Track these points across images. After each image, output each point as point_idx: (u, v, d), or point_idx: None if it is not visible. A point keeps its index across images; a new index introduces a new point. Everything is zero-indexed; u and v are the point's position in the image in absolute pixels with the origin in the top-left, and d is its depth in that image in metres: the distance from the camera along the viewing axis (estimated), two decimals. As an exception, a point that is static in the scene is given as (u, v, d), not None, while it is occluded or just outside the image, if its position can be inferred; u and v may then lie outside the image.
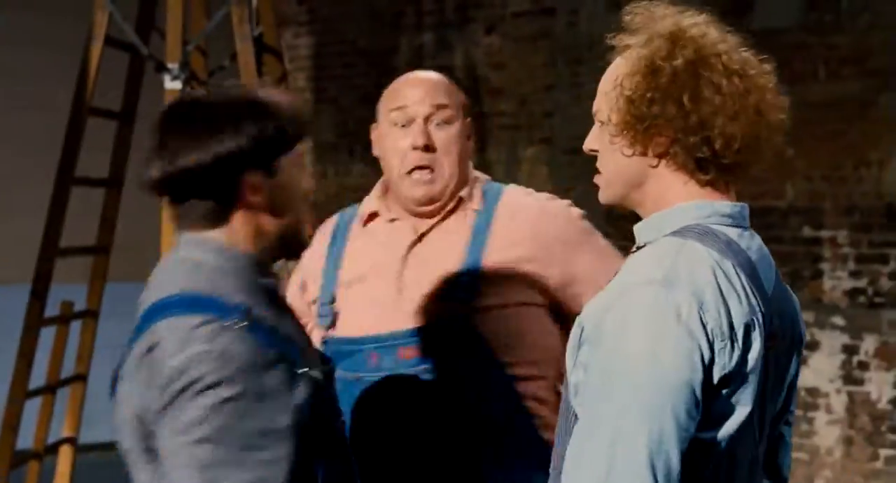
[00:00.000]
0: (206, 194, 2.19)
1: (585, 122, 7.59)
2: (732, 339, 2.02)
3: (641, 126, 2.14)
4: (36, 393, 6.17)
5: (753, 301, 2.07)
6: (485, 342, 2.83)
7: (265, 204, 2.22)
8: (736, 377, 2.02)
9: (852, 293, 7.22)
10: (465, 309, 2.84)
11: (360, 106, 9.20)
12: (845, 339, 7.25)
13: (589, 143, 2.30)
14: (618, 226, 7.69)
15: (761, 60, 2.33)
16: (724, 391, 2.02)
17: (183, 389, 2.07)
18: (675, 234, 2.13)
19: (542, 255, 2.91)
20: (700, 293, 2.01)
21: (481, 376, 2.84)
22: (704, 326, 2.00)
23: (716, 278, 2.04)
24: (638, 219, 2.25)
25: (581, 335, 2.07)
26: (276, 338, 2.17)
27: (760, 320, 2.06)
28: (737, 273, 2.07)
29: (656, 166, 2.18)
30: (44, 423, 6.32)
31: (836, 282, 7.28)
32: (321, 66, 9.19)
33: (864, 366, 7.21)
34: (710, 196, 2.17)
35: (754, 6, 7.53)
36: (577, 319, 2.10)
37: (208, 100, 2.26)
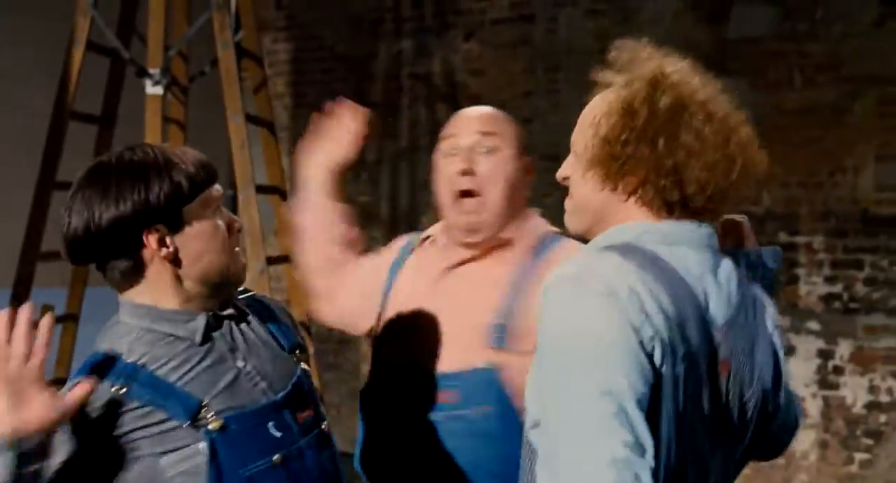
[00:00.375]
0: (116, 254, 2.30)
1: (563, 128, 7.56)
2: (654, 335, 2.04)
3: (615, 164, 2.17)
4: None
5: (661, 319, 2.05)
6: (510, 390, 2.75)
7: (175, 255, 2.31)
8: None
9: (827, 298, 7.25)
10: (490, 354, 2.79)
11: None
12: (820, 343, 7.28)
13: (562, 171, 2.34)
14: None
15: (740, 111, 2.30)
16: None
17: None
18: (602, 249, 2.17)
19: None
20: (614, 287, 2.03)
21: (506, 425, 2.74)
22: (625, 311, 2.01)
23: (634, 283, 2.05)
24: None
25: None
26: (158, 394, 2.25)
27: (665, 338, 2.04)
28: (655, 287, 2.07)
29: (625, 201, 2.21)
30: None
31: (812, 287, 7.32)
32: (300, 72, 9.15)
33: (839, 370, 7.24)
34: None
35: (730, 15, 7.55)
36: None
37: (102, 168, 2.32)
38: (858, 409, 7.19)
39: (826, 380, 7.27)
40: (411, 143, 8.82)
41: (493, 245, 2.93)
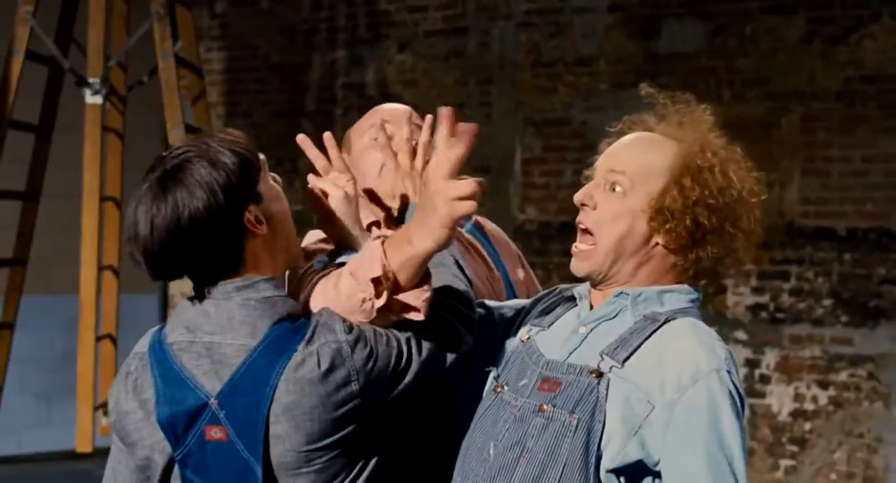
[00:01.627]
0: (215, 247, 2.24)
1: (494, 139, 7.74)
2: None
3: (696, 230, 2.31)
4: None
5: None
6: None
7: (267, 229, 2.28)
8: None
9: (754, 309, 7.53)
10: None
11: (273, 120, 9.30)
12: (748, 353, 7.56)
13: (586, 199, 2.38)
14: (525, 240, 7.91)
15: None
16: None
17: None
18: (683, 313, 2.30)
19: None
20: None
21: None
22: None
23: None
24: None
25: (649, 413, 2.19)
26: None
27: None
28: None
29: (654, 247, 2.33)
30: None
31: (739, 298, 7.57)
32: (234, 81, 9.25)
33: (765, 379, 7.53)
34: (689, 283, 2.36)
35: (661, 31, 7.82)
36: (627, 392, 2.21)
37: (162, 171, 2.23)
38: (784, 416, 7.47)
39: (753, 388, 7.53)
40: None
41: None
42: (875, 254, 7.24)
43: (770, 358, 7.52)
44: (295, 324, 2.25)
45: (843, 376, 7.33)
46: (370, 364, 2.23)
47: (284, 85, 9.28)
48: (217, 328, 2.28)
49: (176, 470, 2.32)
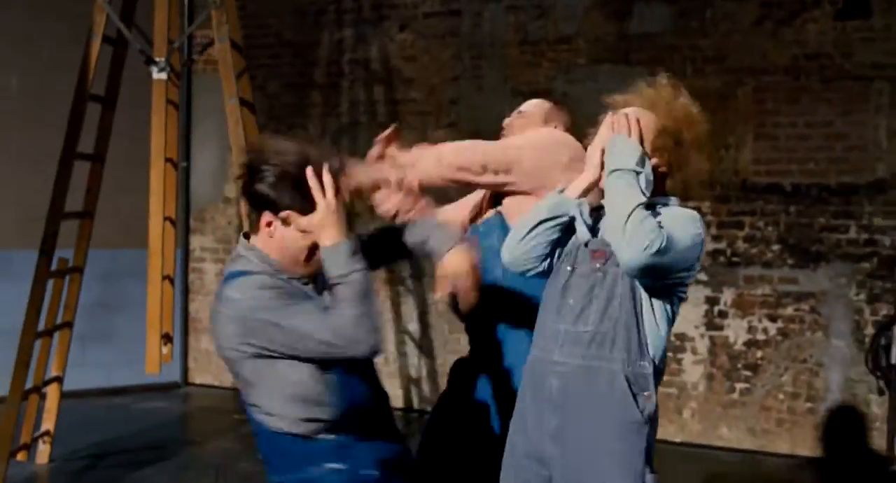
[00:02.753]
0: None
1: (485, 107, 9.01)
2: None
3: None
4: (41, 335, 7.16)
5: None
6: None
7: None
8: None
9: (714, 254, 8.50)
10: None
11: (285, 92, 10.21)
12: (708, 291, 8.53)
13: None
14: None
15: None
16: None
17: None
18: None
19: None
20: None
21: None
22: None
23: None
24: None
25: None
26: None
27: None
28: None
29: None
30: (42, 363, 7.28)
31: (701, 244, 8.55)
32: (250, 57, 9.85)
33: (723, 314, 8.51)
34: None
35: (633, 14, 8.78)
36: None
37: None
38: (739, 346, 8.44)
39: (712, 322, 8.54)
40: (351, 119, 9.94)
41: None
42: (816, 206, 8.17)
43: (727, 296, 8.47)
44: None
45: (789, 311, 8.27)
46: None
47: (295, 60, 10.10)
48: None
49: None
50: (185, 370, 10.70)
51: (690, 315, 8.53)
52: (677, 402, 8.62)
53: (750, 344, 8.43)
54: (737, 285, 8.47)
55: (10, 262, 9.03)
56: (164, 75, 6.96)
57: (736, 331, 8.47)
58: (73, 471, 7.49)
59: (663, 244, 3.22)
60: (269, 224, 3.24)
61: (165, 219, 7.18)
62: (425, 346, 9.66)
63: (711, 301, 8.54)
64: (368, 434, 3.36)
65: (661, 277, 3.35)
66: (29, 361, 6.97)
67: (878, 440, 7.95)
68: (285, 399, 3.22)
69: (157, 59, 6.99)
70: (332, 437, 3.28)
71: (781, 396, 8.32)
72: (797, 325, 8.29)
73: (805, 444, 8.22)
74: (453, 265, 3.54)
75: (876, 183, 8.02)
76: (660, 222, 3.29)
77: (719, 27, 8.51)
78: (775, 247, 8.34)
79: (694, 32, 8.59)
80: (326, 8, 10.03)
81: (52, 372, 7.52)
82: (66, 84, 7.21)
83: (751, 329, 8.43)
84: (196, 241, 10.66)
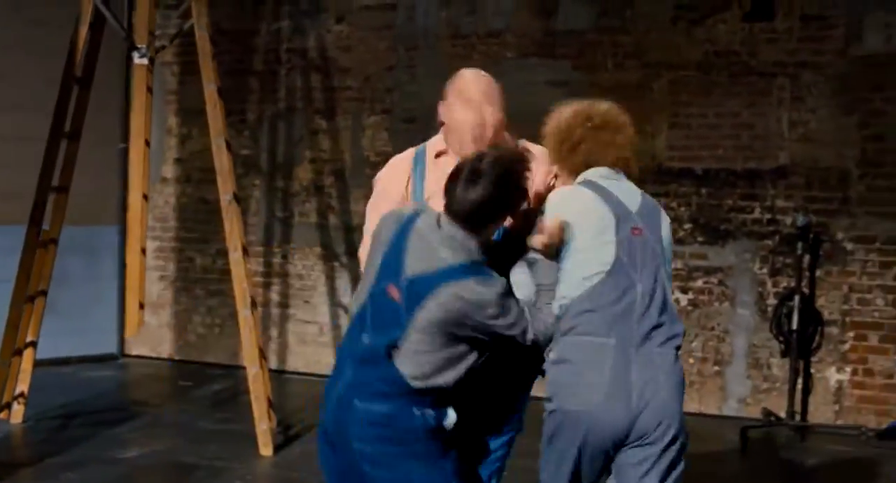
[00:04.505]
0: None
1: (419, 96, 9.81)
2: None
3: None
4: (30, 299, 7.66)
5: (608, 208, 4.06)
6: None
7: None
8: None
9: (630, 232, 9.28)
10: None
11: (223, 78, 10.63)
12: (625, 266, 9.31)
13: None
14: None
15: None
16: None
17: None
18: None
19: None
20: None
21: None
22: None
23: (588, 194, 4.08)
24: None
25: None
26: None
27: (614, 218, 4.04)
28: (596, 197, 4.08)
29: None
30: (26, 325, 7.77)
31: (618, 223, 9.34)
32: (188, 43, 10.30)
33: (638, 287, 9.30)
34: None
35: (558, 12, 9.54)
36: None
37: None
38: (653, 315, 9.24)
39: (629, 294, 9.32)
40: (288, 105, 10.56)
41: None
42: (724, 189, 9.03)
43: None
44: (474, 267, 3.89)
45: (699, 283, 9.13)
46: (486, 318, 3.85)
47: (234, 47, 10.60)
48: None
49: None
50: (121, 342, 11.17)
51: (609, 288, 9.26)
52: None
53: (664, 314, 9.20)
54: (654, 261, 9.23)
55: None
56: (145, 61, 7.53)
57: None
58: (49, 429, 8.01)
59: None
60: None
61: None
62: (358, 318, 10.29)
63: (628, 275, 9.29)
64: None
65: None
66: (19, 323, 7.48)
67: (779, 399, 8.85)
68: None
69: (139, 46, 7.54)
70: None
71: (692, 361, 9.15)
72: (706, 297, 9.15)
73: (713, 404, 9.10)
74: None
75: (778, 169, 8.91)
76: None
77: (638, 25, 9.32)
78: (687, 225, 9.16)
79: (615, 30, 9.38)
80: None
81: (29, 337, 7.99)
82: (33, 66, 7.71)
83: (664, 301, 9.19)
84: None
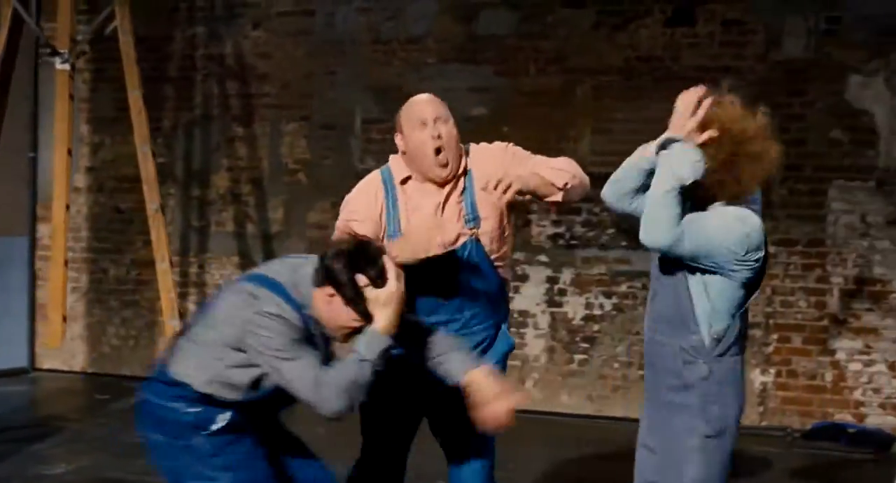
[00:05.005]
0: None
1: (338, 103, 9.69)
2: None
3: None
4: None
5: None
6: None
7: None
8: None
9: (554, 237, 9.34)
10: (474, 232, 4.64)
11: None
12: (549, 272, 9.37)
13: None
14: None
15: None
16: None
17: None
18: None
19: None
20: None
21: (482, 261, 4.65)
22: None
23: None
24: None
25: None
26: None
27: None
28: None
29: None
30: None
31: (542, 228, 9.37)
32: (102, 50, 10.13)
33: (562, 292, 9.35)
34: None
35: (480, 17, 9.55)
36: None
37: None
38: (578, 321, 9.30)
39: (553, 299, 9.38)
40: (204, 112, 10.40)
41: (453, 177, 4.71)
42: None
43: (566, 275, 9.32)
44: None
45: (623, 288, 9.18)
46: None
47: (149, 54, 10.26)
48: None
49: None
50: (32, 356, 10.90)
51: (532, 293, 9.38)
52: (521, 372, 9.37)
53: (587, 319, 9.29)
54: (575, 266, 9.33)
55: None
56: (67, 67, 7.37)
57: (574, 307, 9.33)
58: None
59: (673, 235, 3.81)
60: (331, 295, 3.79)
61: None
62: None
63: (552, 280, 9.39)
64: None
65: (690, 259, 3.89)
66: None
67: (705, 401, 8.86)
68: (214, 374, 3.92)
69: (61, 51, 7.37)
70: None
71: (616, 365, 9.20)
72: (630, 301, 9.18)
73: (638, 408, 9.09)
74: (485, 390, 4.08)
75: (701, 173, 8.93)
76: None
77: (559, 31, 9.34)
78: (610, 230, 9.20)
79: (536, 35, 9.40)
80: (178, 5, 10.44)
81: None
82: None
83: (588, 305, 9.29)
84: (43, 230, 10.87)
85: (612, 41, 9.21)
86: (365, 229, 4.45)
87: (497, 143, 4.81)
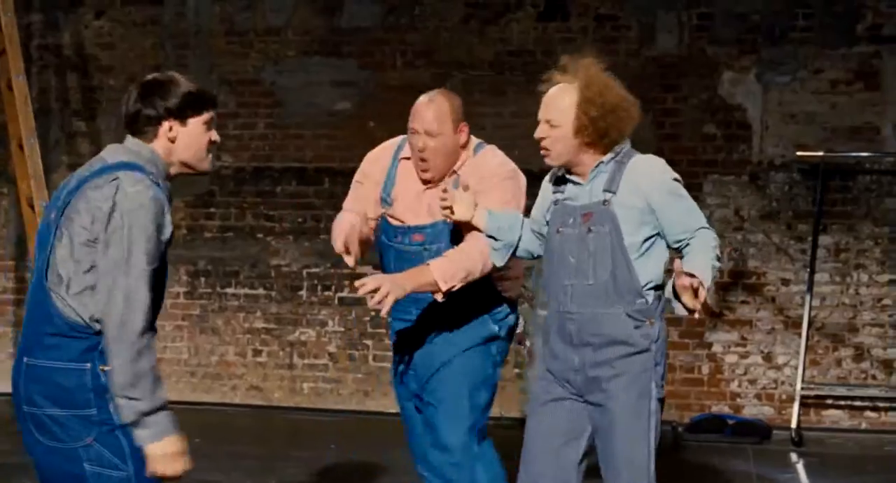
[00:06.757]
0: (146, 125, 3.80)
1: None
2: None
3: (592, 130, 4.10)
4: None
5: None
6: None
7: (175, 140, 3.78)
8: None
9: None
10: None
11: None
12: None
13: (540, 134, 4.26)
14: (221, 183, 9.10)
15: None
16: None
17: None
18: (627, 156, 4.26)
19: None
20: None
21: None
22: None
23: None
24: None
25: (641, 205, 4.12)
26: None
27: None
28: None
29: (584, 143, 4.15)
30: None
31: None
32: None
33: (432, 291, 9.14)
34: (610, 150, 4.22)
35: (343, 9, 9.28)
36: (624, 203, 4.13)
37: (160, 80, 3.87)
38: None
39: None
40: (41, 106, 9.74)
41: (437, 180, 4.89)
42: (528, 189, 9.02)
43: None
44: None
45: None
46: None
47: None
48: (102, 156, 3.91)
49: None
50: None
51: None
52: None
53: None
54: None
55: None
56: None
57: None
58: None
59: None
60: (170, 129, 3.73)
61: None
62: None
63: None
64: None
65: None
66: None
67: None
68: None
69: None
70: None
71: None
72: (503, 299, 8.99)
73: (513, 407, 8.99)
74: None
75: (574, 168, 8.89)
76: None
77: (428, 24, 9.19)
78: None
79: (403, 28, 9.22)
80: (12, -8, 9.80)
81: None
82: None
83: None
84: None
85: (483, 35, 9.11)
86: (364, 189, 5.02)
87: (504, 167, 5.27)
